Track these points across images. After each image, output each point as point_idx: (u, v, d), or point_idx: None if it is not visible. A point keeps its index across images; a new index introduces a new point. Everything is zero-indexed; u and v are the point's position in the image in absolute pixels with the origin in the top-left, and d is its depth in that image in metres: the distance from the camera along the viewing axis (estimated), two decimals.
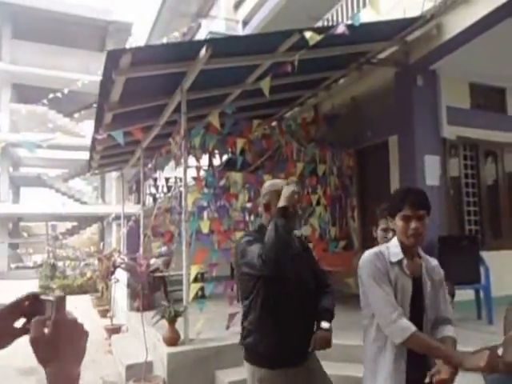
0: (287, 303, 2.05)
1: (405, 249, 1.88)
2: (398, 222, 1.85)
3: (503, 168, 6.80)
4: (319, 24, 7.21)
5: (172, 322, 4.36)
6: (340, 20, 6.85)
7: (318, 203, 6.37)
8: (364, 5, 6.36)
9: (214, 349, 4.36)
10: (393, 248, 1.91)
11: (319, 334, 2.07)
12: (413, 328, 1.72)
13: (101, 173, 13.51)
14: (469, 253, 5.44)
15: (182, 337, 4.44)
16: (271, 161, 6.65)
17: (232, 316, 4.83)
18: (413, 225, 1.80)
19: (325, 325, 2.09)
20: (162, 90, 5.26)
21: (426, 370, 1.75)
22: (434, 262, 2.00)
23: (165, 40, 10.38)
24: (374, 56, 5.85)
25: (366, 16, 4.87)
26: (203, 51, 4.15)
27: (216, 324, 5.06)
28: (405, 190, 1.96)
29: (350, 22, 4.31)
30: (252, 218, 6.33)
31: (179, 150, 5.22)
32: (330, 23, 6.98)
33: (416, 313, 1.85)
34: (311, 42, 4.08)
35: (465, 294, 5.39)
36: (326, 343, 2.07)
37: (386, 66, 5.98)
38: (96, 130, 5.95)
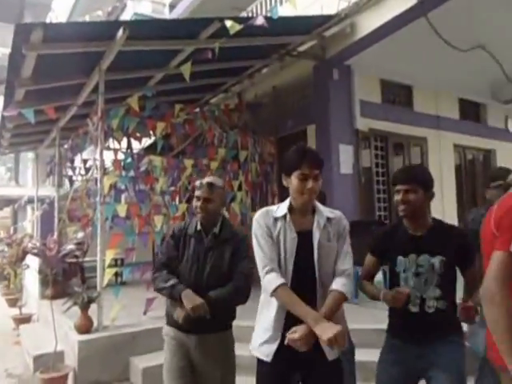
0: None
1: (296, 206, 1.93)
2: (294, 181, 1.86)
3: (409, 159, 7.40)
4: (243, 15, 7.29)
5: (85, 308, 4.26)
6: (262, 12, 6.99)
7: (240, 189, 6.52)
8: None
9: (129, 335, 4.33)
10: (282, 206, 1.97)
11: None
12: (278, 282, 1.78)
13: (12, 152, 12.56)
14: None
15: (96, 324, 4.35)
16: (194, 146, 6.65)
17: (150, 301, 4.84)
18: (310, 184, 1.84)
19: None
20: (79, 68, 5.06)
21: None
22: (332, 214, 1.98)
23: (87, 18, 9.83)
24: (294, 49, 6.07)
25: (287, 10, 5.04)
26: (120, 32, 4.04)
27: (133, 310, 5.02)
28: (302, 150, 1.93)
29: (269, 15, 4.43)
30: (173, 202, 6.31)
31: (96, 130, 5.06)
32: (253, 14, 7.09)
33: (303, 266, 1.86)
34: (232, 31, 4.16)
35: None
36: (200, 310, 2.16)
37: (305, 59, 6.23)
38: (5, 107, 5.56)
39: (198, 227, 2.38)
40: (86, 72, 5.10)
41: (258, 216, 1.96)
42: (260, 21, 4.24)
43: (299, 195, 1.87)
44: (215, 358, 2.27)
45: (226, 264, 2.28)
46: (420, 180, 2.09)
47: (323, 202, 2.18)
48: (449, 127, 7.91)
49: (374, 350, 3.87)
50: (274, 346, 1.84)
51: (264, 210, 1.98)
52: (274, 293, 1.79)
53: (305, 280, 1.86)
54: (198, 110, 6.78)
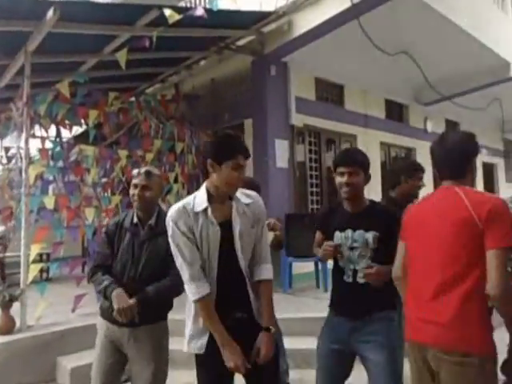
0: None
1: (216, 195, 1.87)
2: (226, 170, 1.79)
3: None
4: (182, 4, 7.17)
5: (5, 307, 3.95)
6: (202, 4, 6.92)
7: (176, 181, 6.45)
8: None
9: (56, 334, 4.09)
10: (199, 197, 1.87)
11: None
12: (199, 294, 1.78)
13: None
14: (310, 229, 6.07)
15: (18, 324, 4.06)
16: (128, 136, 6.44)
17: (78, 298, 4.65)
18: (242, 174, 1.84)
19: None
20: (2, 48, 4.68)
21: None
22: (249, 198, 1.96)
23: None
24: (233, 42, 6.09)
25: (227, 3, 5.06)
26: (50, 13, 3.81)
27: (60, 307, 4.77)
28: (235, 138, 1.90)
29: (208, 7, 4.42)
30: (105, 194, 6.08)
31: (21, 116, 4.72)
32: (193, 5, 7.00)
33: (227, 258, 1.85)
34: (170, 20, 4.11)
35: (306, 266, 6.11)
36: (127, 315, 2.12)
37: (244, 54, 6.28)
38: None
39: (135, 220, 2.33)
40: (10, 53, 4.74)
41: (176, 217, 1.81)
42: (200, 12, 4.23)
43: (228, 185, 1.83)
44: (148, 351, 2.22)
45: (162, 256, 2.22)
46: (361, 163, 2.20)
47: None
48: (376, 126, 8.39)
49: (306, 338, 4.13)
50: (204, 339, 1.85)
51: (179, 206, 1.83)
52: (195, 302, 1.81)
53: (230, 272, 1.85)
54: (133, 99, 6.57)
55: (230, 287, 1.85)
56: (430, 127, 9.81)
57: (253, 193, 2.00)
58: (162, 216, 2.34)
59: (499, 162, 13.07)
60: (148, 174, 2.32)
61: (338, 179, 2.21)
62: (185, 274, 1.81)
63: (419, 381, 1.78)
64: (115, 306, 2.11)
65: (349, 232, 2.21)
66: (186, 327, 1.93)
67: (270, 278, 1.94)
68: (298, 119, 6.71)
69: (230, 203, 1.89)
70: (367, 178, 2.24)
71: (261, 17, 5.63)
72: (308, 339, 4.10)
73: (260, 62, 6.33)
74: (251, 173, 6.42)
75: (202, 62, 6.92)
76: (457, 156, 1.82)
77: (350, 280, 2.20)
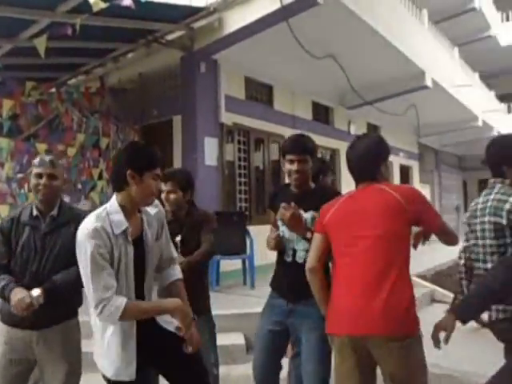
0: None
1: (131, 207, 1.77)
2: (147, 181, 1.73)
3: (269, 154, 7.92)
4: None
5: None
6: None
7: (100, 177, 6.19)
8: None
9: None
10: (114, 216, 1.72)
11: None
12: (121, 307, 1.62)
13: None
14: (238, 227, 6.14)
15: None
16: (48, 129, 6.07)
17: None
18: (160, 184, 1.84)
19: (32, 293, 1.99)
20: None
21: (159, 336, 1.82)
22: (154, 209, 1.91)
23: None
24: (162, 36, 5.98)
25: None
26: None
27: None
28: (153, 147, 1.88)
29: None
30: (21, 190, 5.68)
31: None
32: None
33: (138, 271, 1.80)
34: (95, 8, 3.94)
35: (233, 264, 6.17)
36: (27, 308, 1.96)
37: (173, 48, 6.19)
38: None
39: (34, 212, 2.17)
40: None
41: (96, 243, 1.62)
42: (127, 2, 4.11)
43: (148, 197, 1.78)
44: (60, 352, 2.10)
45: (67, 247, 2.02)
46: (310, 150, 2.26)
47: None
48: (303, 127, 8.58)
49: (231, 334, 4.17)
50: (133, 367, 1.74)
51: (95, 229, 1.64)
52: (123, 314, 1.63)
53: (139, 284, 1.81)
54: (53, 90, 6.20)
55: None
56: (353, 130, 10.32)
57: (156, 205, 1.93)
58: (64, 206, 2.23)
59: (414, 165, 14.13)
60: (52, 162, 2.17)
61: (288, 166, 2.25)
62: (100, 299, 1.63)
63: (359, 373, 1.79)
64: (12, 302, 1.95)
65: None
66: (105, 359, 1.77)
67: (182, 277, 2.00)
68: (227, 118, 6.74)
69: (139, 216, 1.83)
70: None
71: (191, 12, 5.58)
72: (233, 335, 4.18)
73: (189, 58, 6.28)
74: None
75: (130, 55, 6.70)
76: (370, 159, 1.92)
77: (290, 259, 2.27)
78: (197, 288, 2.46)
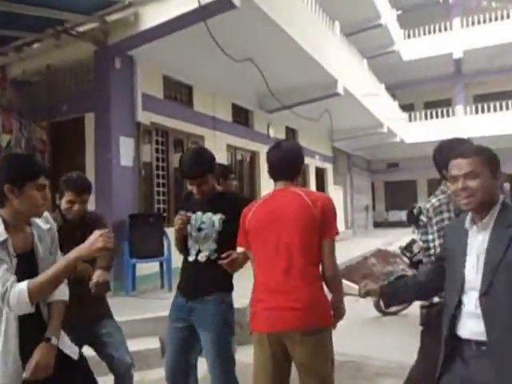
0: None
1: (16, 222, 1.69)
2: (29, 192, 1.65)
3: None
4: None
5: None
6: None
7: None
8: None
9: None
10: None
11: None
12: (23, 286, 1.54)
13: None
14: (155, 229, 5.96)
15: None
16: None
17: None
18: (47, 194, 1.74)
19: None
20: None
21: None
22: (47, 224, 1.84)
23: None
24: (73, 27, 5.59)
25: None
26: None
27: None
28: (32, 157, 1.96)
29: None
30: None
31: None
32: None
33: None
34: None
35: (150, 267, 5.96)
36: None
37: (85, 41, 5.82)
38: None
39: None
40: None
41: None
42: None
43: (34, 208, 1.69)
44: None
45: None
46: (208, 170, 2.33)
47: None
48: (223, 128, 8.68)
49: (146, 338, 4.05)
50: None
51: None
52: (33, 295, 1.54)
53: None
54: None
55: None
56: (272, 133, 10.60)
57: (47, 214, 1.85)
58: None
59: (329, 167, 14.88)
60: None
61: (189, 186, 2.38)
62: None
63: (274, 366, 1.94)
64: None
65: (199, 214, 2.37)
66: None
67: (65, 299, 1.84)
68: (144, 117, 6.52)
69: (29, 230, 1.75)
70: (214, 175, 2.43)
71: (104, 4, 5.29)
72: (148, 339, 4.07)
73: (104, 52, 5.95)
74: (92, 171, 6.01)
75: (36, 45, 6.17)
76: (290, 161, 2.11)
77: (192, 258, 2.36)
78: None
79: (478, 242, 1.58)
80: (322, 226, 1.94)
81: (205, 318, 2.26)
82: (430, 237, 2.19)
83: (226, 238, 2.29)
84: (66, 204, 2.41)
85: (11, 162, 1.73)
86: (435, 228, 2.15)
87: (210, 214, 2.35)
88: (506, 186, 6.42)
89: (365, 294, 1.97)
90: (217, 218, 2.33)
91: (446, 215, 2.14)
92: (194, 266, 2.35)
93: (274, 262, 1.96)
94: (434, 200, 2.20)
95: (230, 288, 2.40)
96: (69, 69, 6.53)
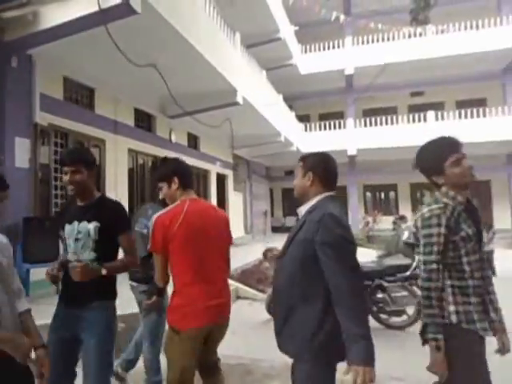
0: None
1: None
2: None
3: None
4: None
5: None
6: None
7: None
8: None
9: None
10: None
11: None
12: None
13: None
14: (51, 233, 5.79)
15: None
16: None
17: None
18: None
19: None
20: None
21: None
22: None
23: None
24: None
25: None
26: None
27: None
28: None
29: None
30: None
31: None
32: None
33: None
34: None
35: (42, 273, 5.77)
36: None
37: None
38: None
39: None
40: None
41: None
42: None
43: None
44: None
45: None
46: (84, 160, 2.32)
47: None
48: (125, 132, 8.63)
49: None
50: None
51: None
52: None
53: None
54: None
55: None
56: (174, 138, 10.75)
57: None
58: None
59: (229, 174, 15.35)
60: None
61: (64, 177, 2.34)
62: None
63: (194, 351, 2.36)
64: None
65: (75, 224, 2.30)
66: None
67: (29, 308, 1.93)
68: (42, 118, 6.32)
69: None
70: (93, 174, 2.38)
71: None
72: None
73: None
74: None
75: None
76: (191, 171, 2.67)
77: None
78: None
79: None
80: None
81: (88, 325, 2.25)
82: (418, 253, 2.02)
83: (105, 246, 2.29)
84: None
85: None
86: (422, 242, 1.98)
87: (85, 222, 2.28)
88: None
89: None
90: (92, 227, 2.27)
91: (434, 230, 1.92)
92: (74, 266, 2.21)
93: (212, 267, 2.44)
94: (425, 210, 1.99)
95: (114, 295, 2.39)
96: None
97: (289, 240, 1.98)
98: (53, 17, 5.40)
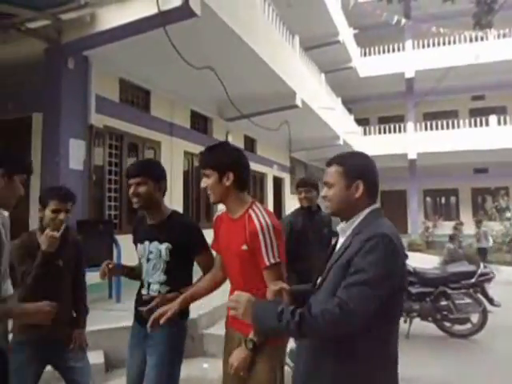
0: None
1: None
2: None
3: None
4: None
5: None
6: None
7: None
8: None
9: None
10: None
11: None
12: None
13: None
14: (105, 236, 5.75)
15: None
16: None
17: None
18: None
19: None
20: None
21: None
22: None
23: None
24: (23, 23, 5.31)
25: None
26: None
27: None
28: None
29: None
30: None
31: None
32: None
33: None
34: None
35: (98, 276, 5.71)
36: None
37: (36, 38, 5.55)
38: None
39: None
40: None
41: None
42: None
43: None
44: None
45: None
46: (149, 172, 2.22)
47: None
48: (181, 135, 8.57)
49: (89, 352, 3.84)
50: None
51: None
52: None
53: None
54: None
55: None
56: (230, 141, 10.55)
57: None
58: None
59: (286, 177, 15.03)
60: None
61: (129, 191, 2.22)
62: None
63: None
64: None
65: (146, 243, 2.23)
66: None
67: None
68: (97, 120, 6.31)
69: None
70: (161, 188, 2.24)
71: (58, 2, 5.07)
72: (91, 354, 3.85)
73: (56, 51, 5.69)
74: (38, 173, 5.71)
75: None
76: None
77: (146, 292, 2.24)
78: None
79: None
80: None
81: (152, 344, 2.18)
82: None
83: (176, 267, 2.21)
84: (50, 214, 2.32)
85: None
86: None
87: (156, 242, 2.21)
88: None
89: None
90: (163, 248, 2.19)
91: None
92: (147, 303, 2.16)
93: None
94: None
95: (184, 314, 2.27)
96: (16, 65, 6.18)
97: (327, 268, 1.54)
98: (110, 19, 5.34)
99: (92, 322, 4.37)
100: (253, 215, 1.88)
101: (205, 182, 1.96)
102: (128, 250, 5.84)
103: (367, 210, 1.55)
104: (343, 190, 1.55)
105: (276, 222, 1.89)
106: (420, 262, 7.44)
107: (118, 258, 5.65)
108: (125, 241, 5.93)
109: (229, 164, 1.92)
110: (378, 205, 1.62)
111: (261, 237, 1.81)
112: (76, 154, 5.89)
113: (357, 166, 1.57)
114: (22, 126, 6.02)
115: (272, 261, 1.81)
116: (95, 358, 3.85)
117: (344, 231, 1.57)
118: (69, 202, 2.36)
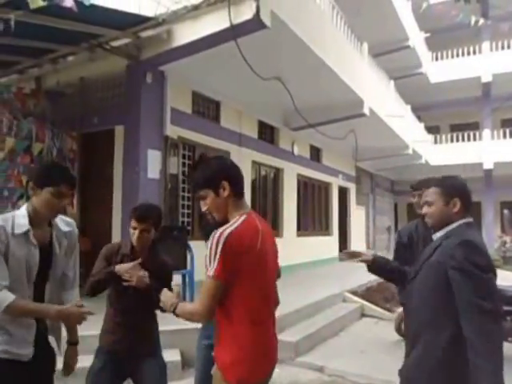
0: None
1: (36, 219, 1.91)
2: (46, 195, 1.86)
3: None
4: None
5: None
6: None
7: None
8: None
9: None
10: (20, 219, 1.88)
11: None
12: (9, 298, 1.73)
13: None
14: (179, 242, 5.95)
15: None
16: None
17: None
18: (63, 202, 1.92)
19: None
20: None
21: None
22: (68, 227, 2.08)
23: None
24: (107, 42, 5.73)
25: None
26: None
27: None
28: (62, 167, 2.13)
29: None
30: None
31: None
32: None
33: (40, 278, 1.93)
34: (33, 6, 3.68)
35: (173, 280, 5.92)
36: None
37: (118, 56, 5.95)
38: None
39: None
40: None
41: None
42: (69, 3, 3.88)
43: (46, 210, 1.90)
44: None
45: None
46: (152, 219, 2.39)
47: None
48: (249, 144, 8.71)
49: (167, 350, 3.97)
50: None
51: None
52: (8, 309, 1.75)
53: (39, 291, 1.95)
54: None
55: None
56: (296, 151, 10.58)
57: (72, 221, 2.13)
58: None
59: (351, 187, 14.70)
60: None
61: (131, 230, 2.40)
62: None
63: None
64: None
65: None
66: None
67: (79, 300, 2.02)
68: (172, 131, 6.59)
69: (48, 229, 1.98)
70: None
71: (138, 20, 5.40)
72: (169, 352, 3.99)
73: (136, 67, 6.07)
74: (119, 182, 6.08)
75: (70, 58, 6.35)
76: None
77: None
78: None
79: None
80: None
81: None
82: None
83: None
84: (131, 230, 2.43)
85: (43, 166, 2.05)
86: None
87: None
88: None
89: (360, 260, 2.45)
90: None
91: None
92: None
93: (267, 302, 1.83)
94: None
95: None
96: (101, 82, 6.69)
97: (420, 263, 1.95)
98: (185, 34, 5.58)
99: (168, 322, 4.57)
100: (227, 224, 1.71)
101: (204, 205, 1.80)
102: (201, 256, 6.04)
103: (461, 221, 1.89)
104: (442, 206, 1.91)
105: (238, 237, 1.65)
106: (498, 279, 6.88)
107: (192, 263, 5.82)
108: (197, 247, 6.13)
109: (219, 175, 1.78)
110: (471, 219, 1.93)
111: (209, 244, 1.65)
112: (153, 164, 6.19)
113: (453, 186, 1.94)
114: (106, 139, 6.45)
115: (209, 272, 1.63)
116: (172, 355, 4.00)
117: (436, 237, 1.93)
118: (146, 221, 2.35)
